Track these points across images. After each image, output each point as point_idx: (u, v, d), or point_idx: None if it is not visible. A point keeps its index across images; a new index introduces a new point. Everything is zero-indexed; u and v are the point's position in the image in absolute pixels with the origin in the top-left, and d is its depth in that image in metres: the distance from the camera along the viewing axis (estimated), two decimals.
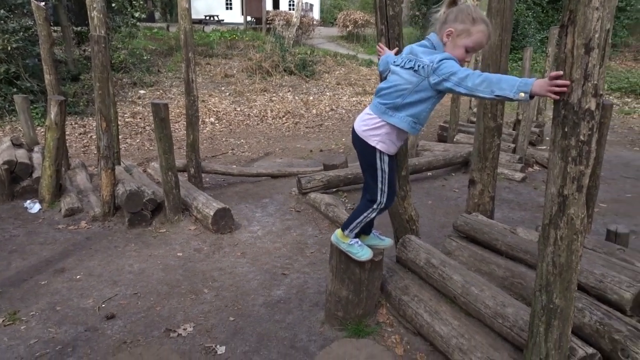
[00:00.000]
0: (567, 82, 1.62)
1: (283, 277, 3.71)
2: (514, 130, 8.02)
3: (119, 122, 7.45)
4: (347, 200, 5.36)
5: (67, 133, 8.58)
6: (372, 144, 2.35)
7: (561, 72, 1.64)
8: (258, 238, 4.44)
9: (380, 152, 2.37)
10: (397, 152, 2.58)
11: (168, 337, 2.92)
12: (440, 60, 2.06)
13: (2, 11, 9.04)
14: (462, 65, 2.11)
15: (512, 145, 7.30)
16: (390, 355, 2.15)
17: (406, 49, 2.36)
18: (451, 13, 2.17)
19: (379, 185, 2.45)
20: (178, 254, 4.05)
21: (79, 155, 7.82)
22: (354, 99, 13.37)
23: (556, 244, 1.80)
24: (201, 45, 16.72)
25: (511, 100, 1.83)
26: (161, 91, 12.97)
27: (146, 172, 6.17)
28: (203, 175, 5.89)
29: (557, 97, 1.67)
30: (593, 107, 1.63)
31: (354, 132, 2.45)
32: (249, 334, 2.98)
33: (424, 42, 2.28)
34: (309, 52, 16.89)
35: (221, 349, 2.84)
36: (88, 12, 5.06)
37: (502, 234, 3.09)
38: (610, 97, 12.82)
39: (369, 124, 2.36)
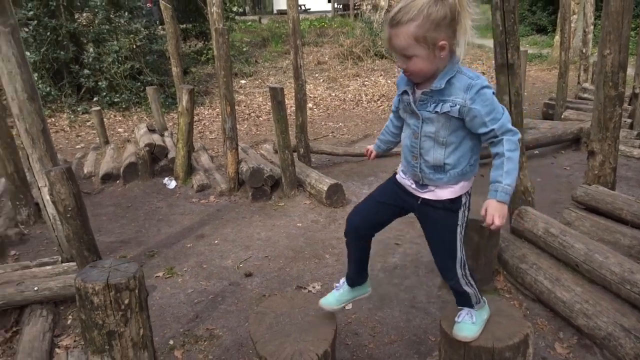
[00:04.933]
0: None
1: (396, 247, 3.94)
2: (629, 105, 7.48)
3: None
4: None
5: None
6: None
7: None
8: None
9: None
10: None
11: (300, 293, 3.28)
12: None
13: (126, 14, 10.13)
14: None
15: (629, 121, 6.83)
16: (517, 310, 2.29)
17: None
18: None
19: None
20: (298, 224, 4.44)
21: (196, 141, 8.62)
22: None
23: None
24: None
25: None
26: (260, 80, 13.69)
27: (259, 153, 6.68)
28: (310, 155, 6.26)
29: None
30: None
31: None
32: (371, 294, 3.26)
33: None
34: None
35: (348, 306, 3.13)
36: (208, 8, 5.59)
37: (627, 203, 3.05)
38: None
39: None
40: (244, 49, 14.68)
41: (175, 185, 5.40)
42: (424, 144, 1.95)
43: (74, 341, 2.88)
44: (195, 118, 10.35)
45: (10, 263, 3.58)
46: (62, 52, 9.52)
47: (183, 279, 3.55)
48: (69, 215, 1.98)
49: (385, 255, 3.79)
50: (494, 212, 1.77)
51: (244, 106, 11.06)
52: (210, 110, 10.65)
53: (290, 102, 9.79)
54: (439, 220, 1.98)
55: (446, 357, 2.18)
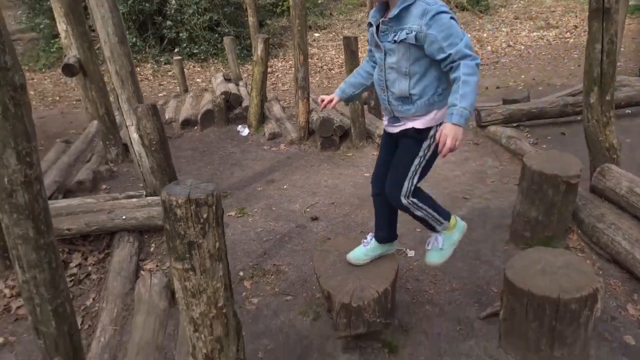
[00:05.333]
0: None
1: (464, 201, 3.88)
2: None
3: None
4: (529, 135, 5.17)
5: None
6: None
7: None
8: (437, 166, 4.56)
9: None
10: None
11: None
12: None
13: None
14: None
15: None
16: (588, 266, 2.21)
17: None
18: None
19: None
20: (365, 174, 4.49)
21: (269, 92, 8.80)
22: (534, 34, 12.18)
23: None
24: None
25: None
26: (333, 33, 13.50)
27: None
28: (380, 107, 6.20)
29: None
30: None
31: None
32: None
33: None
34: None
35: (411, 253, 3.19)
36: None
37: None
38: None
39: None
40: (319, 1, 14.45)
41: (248, 133, 5.61)
42: (388, 76, 2.01)
43: (156, 266, 3.19)
44: (269, 69, 10.52)
45: (102, 194, 3.97)
46: (147, 4, 9.93)
47: (253, 219, 3.75)
48: (153, 149, 2.16)
49: (451, 208, 3.73)
50: (448, 133, 1.81)
51: (317, 59, 11.03)
52: (283, 63, 10.75)
53: (363, 55, 9.69)
54: (403, 146, 2.09)
55: (508, 306, 2.18)
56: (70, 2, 4.06)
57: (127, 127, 3.28)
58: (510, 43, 11.58)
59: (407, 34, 1.87)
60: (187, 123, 5.86)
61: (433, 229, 2.28)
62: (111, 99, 4.57)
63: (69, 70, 4.17)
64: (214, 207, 1.17)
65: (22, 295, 1.51)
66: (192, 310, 1.27)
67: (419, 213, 2.17)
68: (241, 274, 3.06)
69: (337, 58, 11.05)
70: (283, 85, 8.95)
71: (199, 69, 10.01)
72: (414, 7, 1.87)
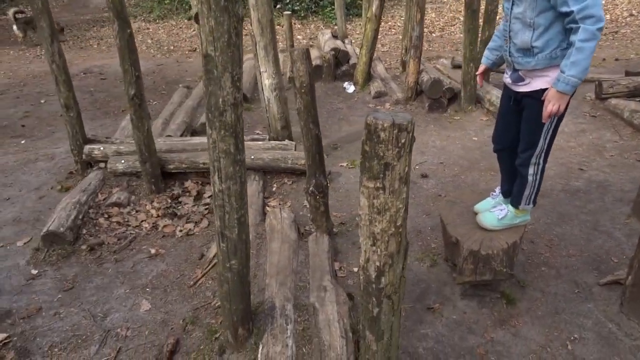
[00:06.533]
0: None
1: (580, 172, 3.78)
2: None
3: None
4: None
5: (357, 33, 9.68)
6: None
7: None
8: None
9: None
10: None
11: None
12: None
13: None
14: None
15: None
16: None
17: None
18: None
19: None
20: (473, 138, 4.48)
21: None
22: None
23: None
24: None
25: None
26: None
27: (436, 68, 6.64)
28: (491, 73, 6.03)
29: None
30: None
31: None
32: (549, 210, 3.27)
33: None
34: None
35: None
36: None
37: None
38: None
39: None
40: None
41: (354, 90, 5.73)
42: (513, 26, 2.04)
43: (279, 204, 3.48)
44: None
45: None
46: None
47: None
48: (303, 91, 2.35)
49: (567, 179, 3.68)
50: (550, 99, 1.92)
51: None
52: (382, 24, 10.62)
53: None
54: (531, 110, 2.10)
55: (639, 272, 2.19)
56: None
57: (260, 73, 3.52)
58: (633, 12, 10.56)
59: None
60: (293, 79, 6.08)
61: (516, 199, 2.33)
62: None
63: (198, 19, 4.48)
64: (411, 134, 1.32)
65: (215, 203, 1.78)
66: (374, 225, 1.45)
67: (530, 178, 2.24)
68: (357, 218, 3.26)
69: (437, 21, 10.73)
70: (382, 47, 8.90)
71: (299, 26, 10.19)
72: None
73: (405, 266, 1.59)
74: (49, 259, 2.95)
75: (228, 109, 1.57)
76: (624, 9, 10.90)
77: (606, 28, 9.70)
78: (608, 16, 10.51)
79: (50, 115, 5.54)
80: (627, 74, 5.49)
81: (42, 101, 6.06)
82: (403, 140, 1.31)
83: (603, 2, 11.43)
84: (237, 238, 1.82)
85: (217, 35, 1.39)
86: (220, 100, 1.55)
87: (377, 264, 1.51)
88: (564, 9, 1.83)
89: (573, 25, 1.84)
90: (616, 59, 7.46)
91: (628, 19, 10.29)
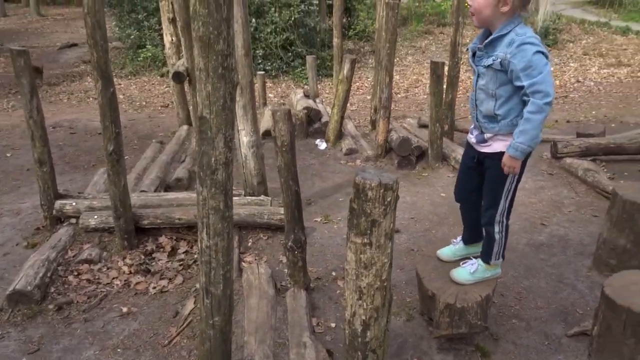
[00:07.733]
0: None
1: (542, 227, 3.98)
2: None
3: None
4: (606, 170, 5.20)
5: (326, 92, 10.07)
6: None
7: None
8: None
9: None
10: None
11: None
12: None
13: None
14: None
15: None
16: None
17: None
18: None
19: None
20: (441, 194, 4.66)
21: None
22: (604, 70, 12.02)
23: None
24: (432, 15, 16.99)
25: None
26: (397, 59, 13.82)
27: (403, 127, 6.95)
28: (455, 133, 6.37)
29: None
30: None
31: None
32: (516, 264, 3.40)
33: None
34: (554, 19, 15.59)
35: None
36: None
37: None
38: None
39: None
40: None
41: (326, 147, 5.91)
42: (478, 96, 2.27)
43: (255, 259, 3.48)
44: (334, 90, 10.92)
45: None
46: None
47: (338, 226, 4.00)
48: (284, 149, 2.45)
49: (531, 233, 3.87)
50: (504, 162, 2.18)
51: None
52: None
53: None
54: (494, 168, 2.29)
55: (604, 323, 2.30)
56: (188, 18, 4.54)
57: (238, 131, 3.63)
58: (580, 78, 11.48)
59: (493, 60, 2.11)
60: (267, 134, 6.23)
61: (485, 256, 2.48)
62: None
63: (178, 77, 4.61)
64: (395, 193, 1.42)
65: (201, 259, 1.80)
66: (360, 280, 1.51)
67: (497, 236, 2.40)
68: (333, 274, 3.31)
69: (402, 82, 11.31)
70: (352, 106, 9.26)
71: (270, 85, 10.53)
72: (506, 36, 2.10)
73: (389, 320, 1.64)
74: (13, 320, 2.83)
75: (220, 167, 1.64)
76: (571, 75, 11.85)
77: (557, 92, 10.48)
78: (558, 82, 11.37)
79: (17, 169, 5.43)
80: (579, 135, 5.90)
81: (8, 155, 5.94)
82: (389, 199, 1.40)
83: (552, 69, 12.44)
84: (222, 294, 1.84)
85: (213, 99, 1.48)
86: (213, 159, 1.62)
87: (363, 317, 1.56)
88: (518, 83, 2.08)
89: (525, 98, 2.07)
90: (567, 121, 8.03)
91: (575, 84, 11.18)
